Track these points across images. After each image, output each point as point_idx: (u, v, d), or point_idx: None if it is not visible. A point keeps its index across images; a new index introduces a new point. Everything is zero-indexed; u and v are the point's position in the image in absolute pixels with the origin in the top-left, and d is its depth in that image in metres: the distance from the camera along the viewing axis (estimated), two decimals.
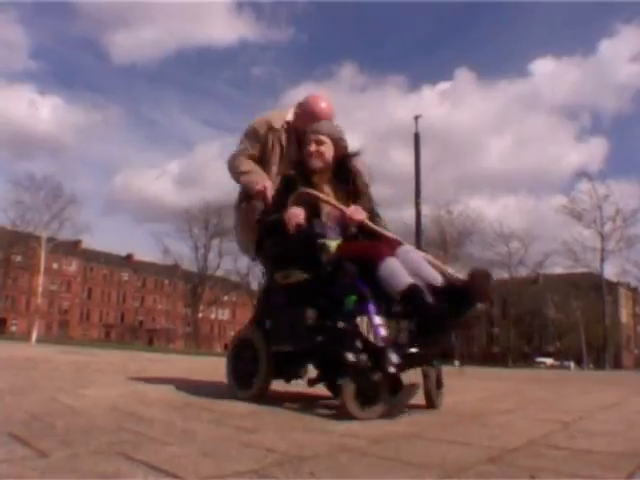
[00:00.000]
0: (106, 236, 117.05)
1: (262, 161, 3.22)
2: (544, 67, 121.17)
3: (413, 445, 1.64)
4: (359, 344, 2.24)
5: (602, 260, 32.10)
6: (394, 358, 2.14)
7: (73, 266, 72.82)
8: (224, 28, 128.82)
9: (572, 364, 49.61)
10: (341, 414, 2.13)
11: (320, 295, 2.48)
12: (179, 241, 65.69)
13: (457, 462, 1.43)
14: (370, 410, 2.13)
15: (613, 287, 57.40)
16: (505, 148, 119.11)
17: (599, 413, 2.85)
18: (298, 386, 3.08)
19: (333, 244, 2.59)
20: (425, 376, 2.60)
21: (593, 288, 43.26)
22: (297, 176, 2.76)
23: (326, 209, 2.70)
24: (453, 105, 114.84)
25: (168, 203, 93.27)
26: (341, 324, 2.36)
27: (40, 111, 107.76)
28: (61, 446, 1.41)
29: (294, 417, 2.20)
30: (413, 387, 2.25)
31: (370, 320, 2.29)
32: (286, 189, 2.75)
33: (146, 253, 75.22)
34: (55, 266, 64.93)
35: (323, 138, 2.80)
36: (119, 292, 78.61)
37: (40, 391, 2.74)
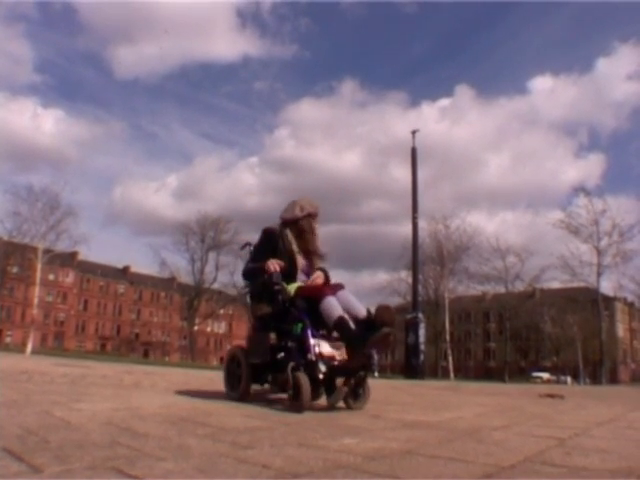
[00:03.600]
0: (103, 248, 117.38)
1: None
2: (542, 84, 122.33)
3: (408, 462, 1.64)
4: (301, 357, 3.12)
5: (598, 275, 31.87)
6: (322, 368, 3.06)
7: (69, 278, 72.58)
8: (227, 44, 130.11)
9: (569, 379, 49.43)
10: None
11: (280, 323, 3.39)
12: (176, 254, 65.32)
13: (453, 479, 1.43)
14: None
15: (610, 302, 57.33)
16: (504, 164, 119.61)
17: (595, 429, 2.85)
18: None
19: (293, 286, 3.45)
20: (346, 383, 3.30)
21: (590, 303, 43.19)
22: (278, 230, 3.69)
23: (300, 261, 3.65)
24: (453, 121, 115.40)
25: (166, 216, 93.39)
26: (290, 344, 3.24)
27: (43, 124, 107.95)
28: (55, 461, 1.41)
29: (289, 432, 2.19)
30: (343, 388, 3.26)
31: (307, 341, 3.13)
32: (267, 241, 3.67)
33: (143, 265, 75.06)
34: (51, 277, 64.60)
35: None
36: (115, 304, 78.27)
37: (34, 404, 2.72)
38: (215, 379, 5.61)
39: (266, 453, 1.68)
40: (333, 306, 3.23)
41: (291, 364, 3.10)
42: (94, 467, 1.37)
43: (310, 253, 3.74)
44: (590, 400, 6.65)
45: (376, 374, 3.40)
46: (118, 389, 4.17)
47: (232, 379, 3.67)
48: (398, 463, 1.60)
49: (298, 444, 1.88)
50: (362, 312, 3.32)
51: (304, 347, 3.13)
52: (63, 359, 14.17)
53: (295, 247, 3.66)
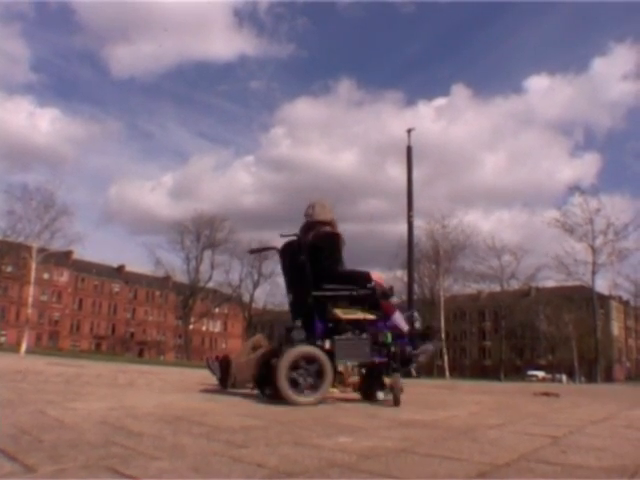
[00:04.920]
0: (98, 247, 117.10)
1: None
2: (538, 84, 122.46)
3: (403, 460, 1.64)
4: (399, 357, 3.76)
5: (593, 273, 31.95)
6: (414, 364, 4.10)
7: (64, 277, 72.31)
8: (224, 43, 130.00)
9: (564, 377, 49.61)
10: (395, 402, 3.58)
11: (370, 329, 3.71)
12: (171, 253, 65.54)
13: (448, 478, 1.43)
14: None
15: (605, 300, 57.63)
16: (500, 163, 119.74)
17: (589, 427, 2.86)
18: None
19: None
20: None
21: (585, 301, 43.37)
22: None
23: None
24: (449, 120, 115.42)
25: (162, 215, 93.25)
26: (394, 348, 3.72)
27: (39, 123, 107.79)
28: (49, 461, 1.40)
29: (284, 431, 2.19)
30: (401, 388, 3.68)
31: (404, 345, 3.85)
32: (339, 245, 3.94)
33: (138, 264, 74.75)
34: (46, 276, 64.36)
35: None
36: (110, 303, 78.03)
37: (29, 404, 2.71)
38: (210, 378, 5.60)
39: (261, 452, 1.67)
40: (402, 320, 3.97)
41: (394, 366, 3.68)
42: (88, 466, 1.36)
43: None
44: (585, 398, 6.67)
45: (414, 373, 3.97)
46: (113, 388, 4.16)
47: (302, 382, 3.32)
48: (393, 462, 1.60)
49: (293, 443, 1.87)
50: (405, 326, 4.00)
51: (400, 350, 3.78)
52: (58, 358, 14.14)
53: None
